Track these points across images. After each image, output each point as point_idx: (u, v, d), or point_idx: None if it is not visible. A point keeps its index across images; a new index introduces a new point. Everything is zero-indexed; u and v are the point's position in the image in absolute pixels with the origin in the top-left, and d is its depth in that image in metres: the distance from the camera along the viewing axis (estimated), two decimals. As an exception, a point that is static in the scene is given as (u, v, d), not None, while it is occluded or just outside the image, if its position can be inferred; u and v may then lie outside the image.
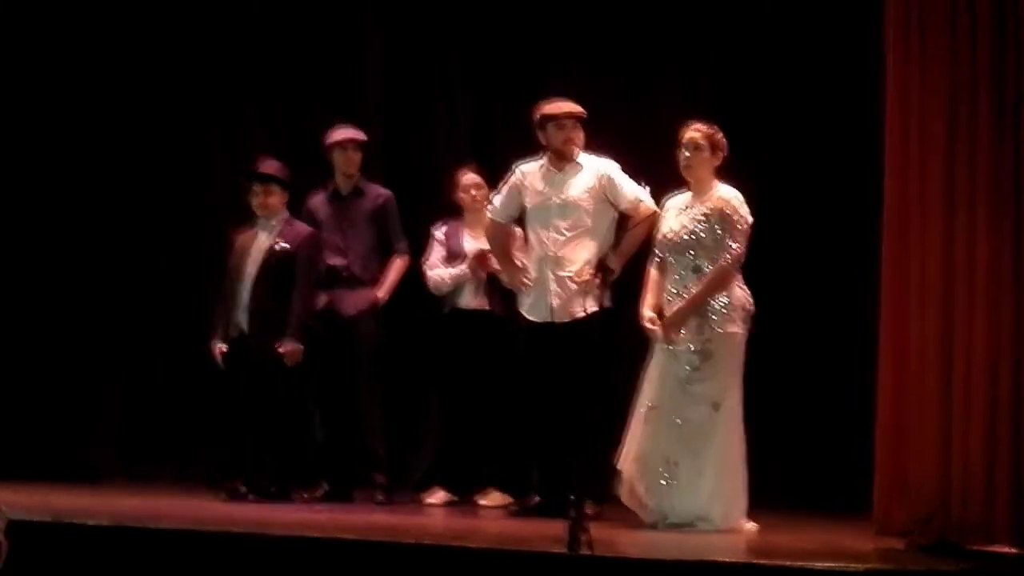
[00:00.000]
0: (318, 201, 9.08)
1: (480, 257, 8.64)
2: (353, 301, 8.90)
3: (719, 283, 7.29)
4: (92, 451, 10.10)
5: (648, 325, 7.40)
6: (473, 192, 8.84)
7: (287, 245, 8.93)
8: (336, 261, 8.94)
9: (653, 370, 7.40)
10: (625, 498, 7.48)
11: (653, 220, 7.59)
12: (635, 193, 7.81)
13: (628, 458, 7.44)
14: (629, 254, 7.77)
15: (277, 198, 9.03)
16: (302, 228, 9.00)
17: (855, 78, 8.14)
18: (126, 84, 10.23)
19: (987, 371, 6.53)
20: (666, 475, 7.28)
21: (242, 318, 8.94)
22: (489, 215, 8.31)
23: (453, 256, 8.83)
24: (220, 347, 8.96)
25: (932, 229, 6.64)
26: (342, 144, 9.01)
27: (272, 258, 8.95)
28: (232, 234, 9.14)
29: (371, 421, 8.83)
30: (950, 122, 6.60)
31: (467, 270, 8.73)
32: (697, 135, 7.42)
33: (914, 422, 6.65)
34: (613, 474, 7.52)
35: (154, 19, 10.20)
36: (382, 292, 8.88)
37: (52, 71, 10.20)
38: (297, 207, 9.13)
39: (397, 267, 8.96)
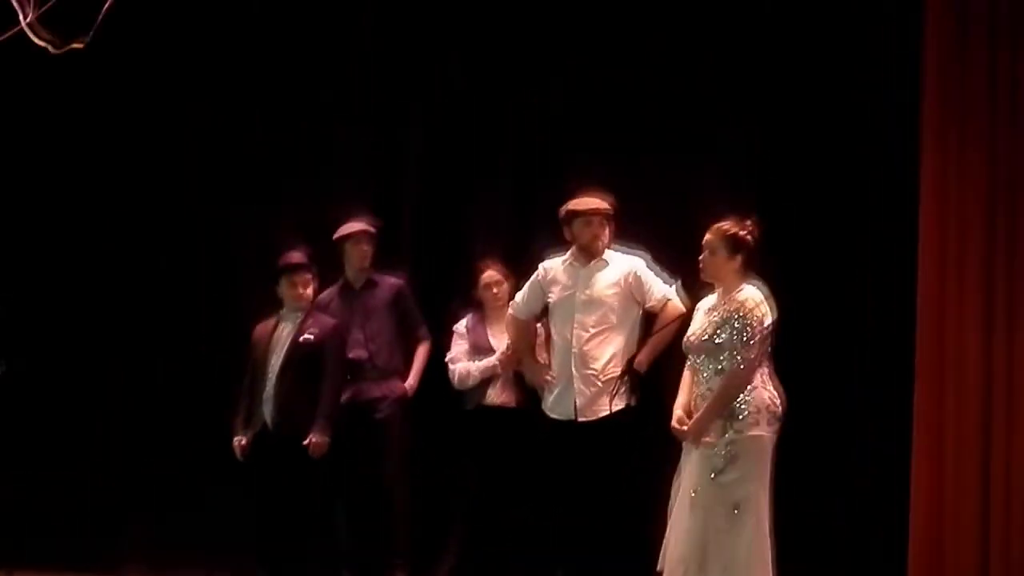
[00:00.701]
0: (328, 298, 9.03)
1: (505, 359, 8.55)
2: (381, 393, 8.82)
3: (732, 390, 7.15)
4: (111, 542, 9.94)
5: (675, 426, 7.25)
6: (494, 290, 8.79)
7: (312, 337, 8.82)
8: (359, 354, 8.87)
9: (686, 464, 7.23)
10: None
11: (681, 318, 7.51)
12: (663, 292, 7.84)
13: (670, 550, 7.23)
14: (657, 354, 7.77)
15: (312, 288, 8.96)
16: (327, 319, 8.92)
17: (892, 155, 8.00)
18: (127, 83, 10.16)
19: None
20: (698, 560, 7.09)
21: (265, 411, 8.83)
22: (511, 312, 8.27)
23: (478, 350, 8.75)
24: (240, 440, 8.84)
25: (969, 316, 6.51)
26: (355, 236, 8.98)
27: (299, 350, 8.83)
28: (252, 325, 9.02)
29: (399, 515, 8.77)
30: (988, 209, 6.47)
31: (496, 363, 8.63)
32: (711, 237, 7.28)
33: (951, 512, 6.47)
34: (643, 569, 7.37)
35: (162, 25, 10.10)
36: (412, 380, 8.85)
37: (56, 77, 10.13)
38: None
39: (422, 354, 8.93)
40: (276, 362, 8.85)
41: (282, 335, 8.91)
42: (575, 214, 8.03)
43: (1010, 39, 6.66)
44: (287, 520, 8.68)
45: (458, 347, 8.83)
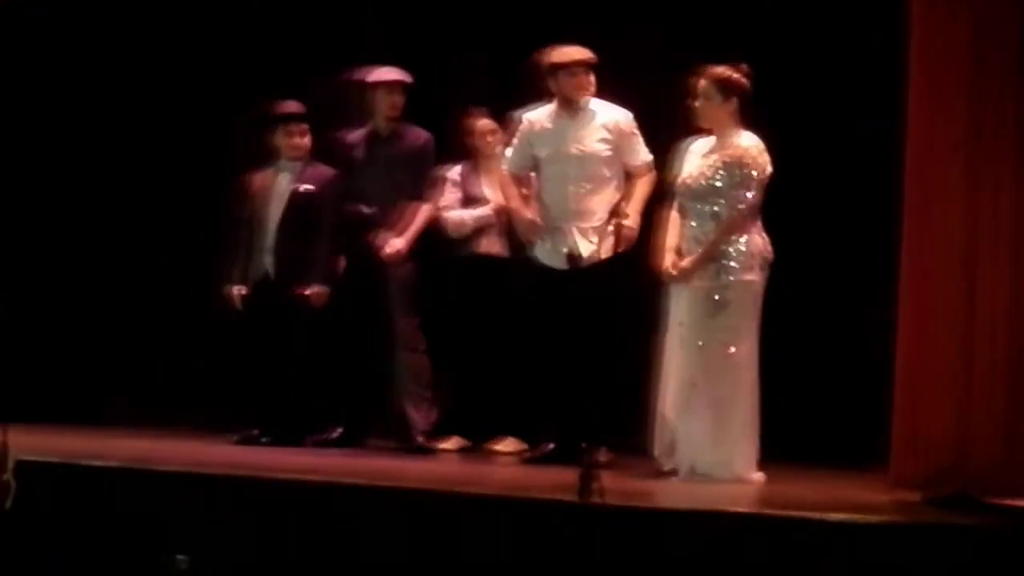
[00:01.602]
0: (356, 138, 8.83)
1: (500, 211, 8.51)
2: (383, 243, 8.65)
3: (731, 232, 7.19)
4: (105, 396, 10.10)
5: (667, 268, 7.29)
6: (488, 138, 8.68)
7: (312, 187, 8.85)
8: (372, 210, 8.70)
9: (675, 306, 7.28)
10: (656, 447, 7.36)
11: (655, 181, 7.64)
12: (645, 156, 7.87)
13: (664, 396, 7.31)
14: (641, 210, 7.76)
15: (309, 138, 8.94)
16: (326, 170, 8.91)
17: (879, 13, 7.93)
18: (130, 82, 10.23)
19: (1010, 323, 6.43)
20: (685, 396, 7.18)
21: (267, 261, 8.87)
22: (506, 168, 8.20)
23: (471, 200, 8.69)
24: (239, 289, 8.89)
25: (956, 176, 6.52)
26: (389, 85, 8.75)
27: (297, 201, 8.86)
28: (244, 177, 9.02)
29: (417, 360, 8.63)
30: (977, 60, 6.45)
31: (491, 213, 8.61)
32: (704, 81, 7.28)
33: (933, 373, 6.56)
34: (631, 423, 7.44)
35: (158, 20, 10.16)
36: (409, 237, 8.61)
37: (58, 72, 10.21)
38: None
39: (421, 214, 8.69)
40: (276, 213, 8.88)
41: (280, 185, 8.93)
42: (558, 66, 7.91)
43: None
44: (283, 372, 8.76)
45: (451, 195, 8.74)
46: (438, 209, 8.73)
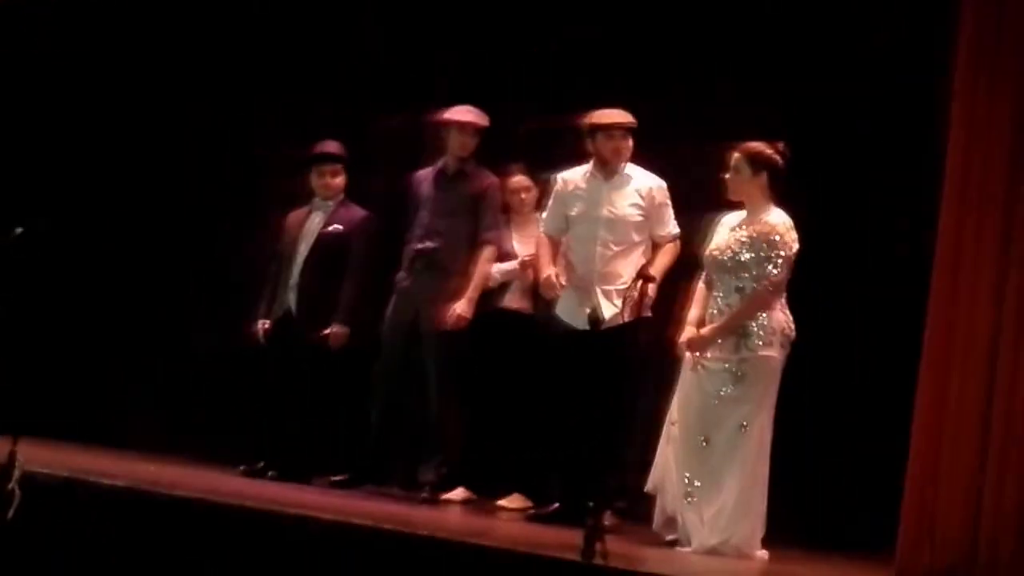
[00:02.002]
0: (424, 175, 8.80)
1: (525, 265, 8.52)
2: (439, 293, 8.56)
3: (755, 308, 7.18)
4: (120, 418, 10.11)
5: (682, 342, 7.29)
6: (522, 195, 8.72)
7: (341, 227, 8.89)
8: (427, 245, 8.64)
9: (680, 388, 7.30)
10: (656, 520, 7.36)
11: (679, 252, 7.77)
12: (673, 228, 7.94)
13: (655, 475, 7.34)
14: (663, 273, 7.78)
15: (342, 179, 9.01)
16: (357, 211, 8.98)
17: (918, 102, 7.95)
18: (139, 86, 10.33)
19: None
20: (688, 493, 7.15)
21: (290, 297, 8.94)
22: (543, 231, 8.19)
23: (501, 255, 8.67)
24: (263, 323, 8.93)
25: (985, 271, 6.50)
26: (461, 126, 8.70)
27: (325, 240, 8.92)
28: (281, 217, 9.12)
29: (447, 414, 8.58)
30: (1013, 160, 6.45)
31: (517, 269, 8.60)
32: (736, 155, 7.31)
33: (947, 465, 6.51)
34: (639, 489, 7.43)
35: (174, 23, 10.26)
36: (471, 294, 8.50)
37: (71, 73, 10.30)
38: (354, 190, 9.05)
39: (484, 259, 8.58)
40: (304, 250, 8.94)
41: (312, 224, 9.00)
42: (598, 127, 7.96)
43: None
44: (295, 408, 8.78)
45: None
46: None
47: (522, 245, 8.65)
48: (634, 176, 8.00)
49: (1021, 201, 6.49)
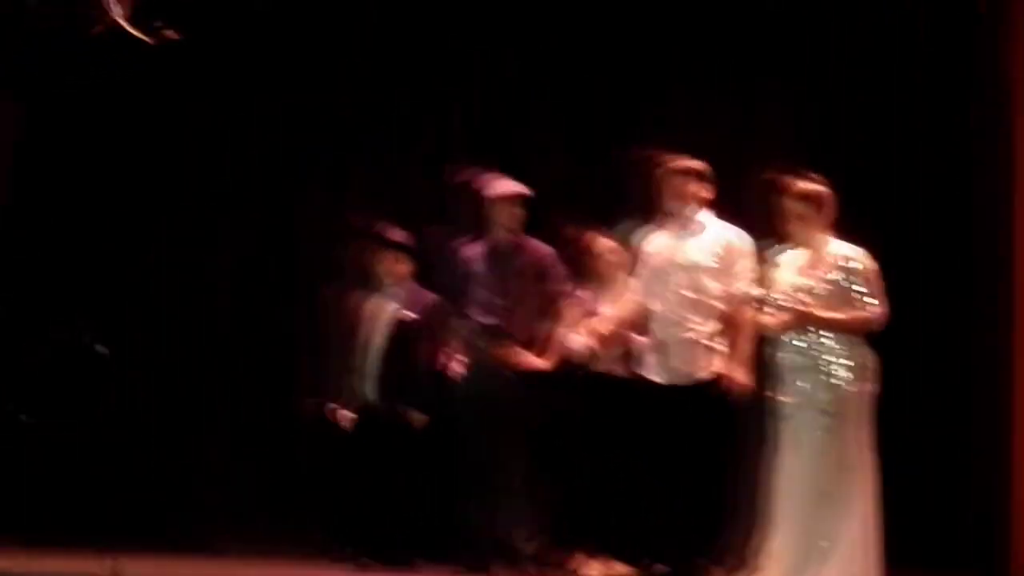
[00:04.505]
0: (473, 252, 8.79)
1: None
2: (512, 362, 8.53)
3: (856, 327, 7.05)
4: (201, 522, 9.99)
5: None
6: (610, 257, 8.56)
7: (416, 315, 8.91)
8: (490, 319, 8.63)
9: (788, 423, 7.14)
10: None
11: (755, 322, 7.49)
12: (749, 289, 7.71)
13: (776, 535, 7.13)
14: (747, 360, 7.66)
15: (406, 267, 9.04)
16: (427, 296, 8.98)
17: (981, 132, 7.90)
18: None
19: None
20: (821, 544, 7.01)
21: (368, 388, 8.93)
22: (635, 299, 8.13)
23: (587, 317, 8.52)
24: (347, 414, 8.94)
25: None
26: (510, 199, 8.69)
27: (400, 328, 8.93)
28: (340, 296, 9.11)
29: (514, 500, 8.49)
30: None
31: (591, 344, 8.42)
32: (794, 202, 7.16)
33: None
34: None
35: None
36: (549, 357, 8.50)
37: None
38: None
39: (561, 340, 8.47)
40: (379, 340, 8.96)
41: (382, 310, 9.02)
42: (671, 172, 7.93)
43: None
44: (389, 495, 8.77)
45: (576, 314, 8.52)
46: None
47: (611, 308, 8.45)
48: (710, 225, 7.96)
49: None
